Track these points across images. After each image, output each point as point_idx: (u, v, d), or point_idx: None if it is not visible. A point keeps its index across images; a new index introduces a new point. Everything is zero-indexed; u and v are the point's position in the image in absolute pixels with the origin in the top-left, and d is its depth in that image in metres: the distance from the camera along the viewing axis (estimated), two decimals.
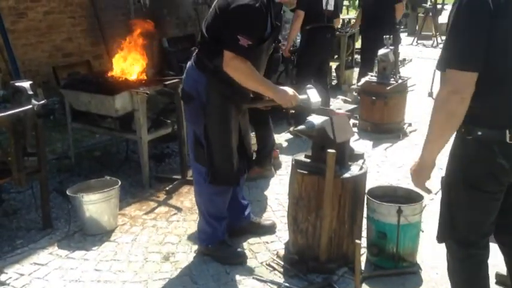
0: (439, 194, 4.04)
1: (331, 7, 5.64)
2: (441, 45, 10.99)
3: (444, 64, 1.87)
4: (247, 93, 2.88)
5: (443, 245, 3.19)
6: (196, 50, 2.86)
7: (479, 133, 1.90)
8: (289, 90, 2.81)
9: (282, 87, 2.83)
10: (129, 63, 4.40)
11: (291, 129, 5.33)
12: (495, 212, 2.05)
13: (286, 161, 4.62)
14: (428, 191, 2.10)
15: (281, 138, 5.14)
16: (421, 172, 2.03)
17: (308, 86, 2.87)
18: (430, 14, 12.01)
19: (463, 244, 2.11)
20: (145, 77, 4.38)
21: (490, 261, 3.00)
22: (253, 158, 3.69)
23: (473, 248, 2.11)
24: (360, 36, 7.27)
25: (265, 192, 4.07)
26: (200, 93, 2.79)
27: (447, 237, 2.15)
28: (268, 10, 2.69)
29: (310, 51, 5.55)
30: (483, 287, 2.18)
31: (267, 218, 3.58)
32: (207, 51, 2.77)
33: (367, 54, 6.51)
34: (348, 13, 14.70)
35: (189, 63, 2.90)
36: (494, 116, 1.88)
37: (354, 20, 8.05)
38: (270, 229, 3.39)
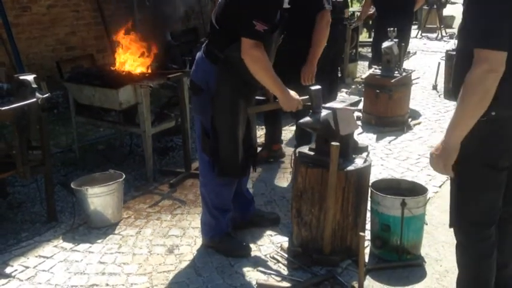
0: (443, 187, 4.05)
1: None
2: (445, 38, 10.99)
3: (476, 41, 1.84)
4: (257, 85, 2.85)
5: (447, 237, 3.21)
6: (206, 41, 2.85)
7: (493, 113, 1.91)
8: (295, 95, 2.82)
9: (290, 91, 2.82)
10: (132, 57, 4.40)
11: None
12: (502, 191, 2.10)
13: (290, 154, 4.62)
14: (452, 175, 2.07)
15: (286, 131, 5.13)
16: (447, 156, 1.98)
17: (313, 88, 2.84)
18: (435, 6, 11.94)
19: (477, 225, 2.14)
20: (148, 70, 4.38)
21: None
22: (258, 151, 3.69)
23: (487, 229, 2.14)
24: (375, 26, 7.15)
25: (269, 186, 4.07)
26: (210, 84, 2.77)
27: (461, 220, 2.17)
28: None
29: (328, 44, 5.49)
30: (492, 270, 2.20)
31: (271, 211, 3.59)
32: (218, 41, 2.74)
33: (378, 47, 6.45)
34: (351, 5, 14.62)
35: (198, 55, 2.88)
36: (508, 97, 1.92)
37: (359, 13, 8.00)
38: (274, 222, 3.40)
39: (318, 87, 2.84)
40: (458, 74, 2.02)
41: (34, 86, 3.32)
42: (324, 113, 2.79)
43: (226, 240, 3.08)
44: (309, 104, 2.85)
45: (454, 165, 2.00)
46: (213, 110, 2.79)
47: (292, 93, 2.83)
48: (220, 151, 2.85)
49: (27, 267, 3.00)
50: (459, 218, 2.18)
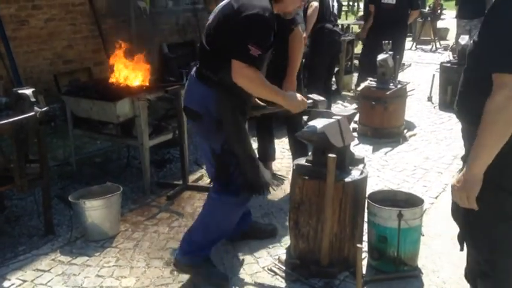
0: (439, 198, 4.07)
1: (336, 10, 5.71)
2: (440, 50, 11.08)
3: (494, 66, 1.78)
4: (251, 100, 2.87)
5: (444, 248, 3.23)
6: (197, 65, 2.75)
7: None
8: (298, 96, 2.82)
9: (290, 93, 2.84)
10: (129, 70, 4.43)
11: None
12: None
13: (287, 166, 4.64)
14: (477, 207, 1.95)
15: (281, 143, 5.15)
16: (470, 188, 1.88)
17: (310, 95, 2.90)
18: (429, 18, 12.07)
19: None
20: (146, 83, 4.40)
21: None
22: None
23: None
24: (368, 38, 7.22)
25: (267, 197, 4.08)
26: (210, 109, 2.66)
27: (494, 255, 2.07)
28: (274, 19, 2.65)
29: (322, 51, 5.56)
30: None
31: (268, 222, 3.60)
32: (211, 64, 2.66)
33: (372, 58, 6.53)
34: (346, 18, 14.76)
35: (190, 80, 2.79)
36: None
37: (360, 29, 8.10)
38: (271, 234, 3.40)
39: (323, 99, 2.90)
40: (466, 98, 1.96)
41: (32, 99, 3.33)
42: (321, 124, 2.82)
43: (207, 266, 2.92)
44: (312, 107, 2.92)
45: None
46: (222, 134, 2.69)
47: (291, 93, 2.83)
48: (246, 170, 2.73)
49: (24, 281, 2.99)
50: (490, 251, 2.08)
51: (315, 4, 5.01)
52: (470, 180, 1.88)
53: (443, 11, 12.88)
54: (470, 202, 1.92)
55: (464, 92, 2.03)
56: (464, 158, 2.08)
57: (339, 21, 7.41)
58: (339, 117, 2.87)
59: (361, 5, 17.20)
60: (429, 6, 12.99)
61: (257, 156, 2.91)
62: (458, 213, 2.17)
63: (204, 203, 3.05)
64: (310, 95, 3.00)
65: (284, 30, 3.66)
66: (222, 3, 2.68)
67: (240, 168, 2.73)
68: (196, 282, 2.89)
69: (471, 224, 2.10)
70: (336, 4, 5.78)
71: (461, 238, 2.24)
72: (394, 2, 6.75)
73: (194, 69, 2.79)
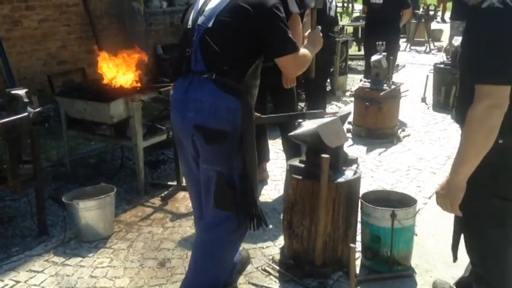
0: (433, 198, 4.09)
1: (333, 13, 5.70)
2: (434, 51, 11.10)
3: (478, 77, 1.75)
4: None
5: (437, 248, 3.24)
6: (214, 76, 2.33)
7: (501, 141, 1.81)
8: (313, 34, 2.74)
9: (311, 36, 2.73)
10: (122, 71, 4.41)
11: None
12: None
13: (281, 167, 4.65)
14: (460, 214, 1.96)
15: (276, 144, 5.16)
16: (454, 195, 1.89)
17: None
18: (423, 20, 12.12)
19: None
20: (140, 84, 4.40)
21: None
22: None
23: None
24: (363, 40, 7.26)
25: (261, 198, 4.09)
26: (237, 123, 2.32)
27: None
28: None
29: (319, 55, 5.52)
30: None
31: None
32: (234, 73, 2.33)
33: (367, 59, 6.57)
34: (341, 19, 14.80)
35: (198, 94, 2.35)
36: None
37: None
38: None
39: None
40: (462, 104, 1.94)
41: (26, 100, 3.32)
42: (314, 125, 2.83)
43: None
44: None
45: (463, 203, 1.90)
46: (242, 154, 2.35)
47: (312, 36, 2.73)
48: (250, 196, 2.42)
49: (18, 282, 2.98)
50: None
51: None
52: (453, 187, 1.89)
53: (437, 13, 12.94)
54: (454, 209, 1.93)
55: (460, 98, 2.02)
56: None
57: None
58: (332, 118, 2.88)
59: (356, 6, 17.27)
60: (423, 8, 13.04)
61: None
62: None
63: (196, 248, 2.60)
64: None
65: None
66: (216, 2, 2.40)
67: (249, 192, 2.41)
68: None
69: (464, 229, 2.11)
70: (333, 7, 5.74)
71: (455, 247, 2.24)
72: (381, 1, 6.77)
73: (195, 80, 2.38)
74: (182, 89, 2.42)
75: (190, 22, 2.46)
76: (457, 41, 6.65)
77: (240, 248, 2.88)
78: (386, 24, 6.64)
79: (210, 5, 2.41)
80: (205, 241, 2.55)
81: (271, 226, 3.51)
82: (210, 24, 2.36)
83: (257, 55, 2.40)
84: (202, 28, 2.37)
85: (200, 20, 2.41)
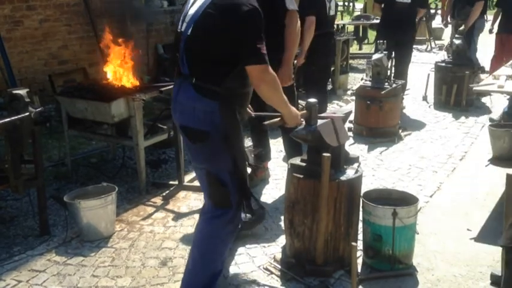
0: (434, 196, 4.09)
1: (333, 12, 5.69)
2: (435, 50, 11.04)
3: None
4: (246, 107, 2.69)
5: (438, 246, 3.24)
6: (193, 80, 2.41)
7: None
8: (296, 111, 2.70)
9: (292, 107, 2.65)
10: (124, 71, 4.42)
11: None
12: None
13: (282, 166, 4.65)
14: None
15: (277, 143, 5.16)
16: None
17: (310, 101, 2.81)
18: (424, 18, 12.10)
19: None
20: (141, 84, 4.40)
21: (484, 262, 3.04)
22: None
23: None
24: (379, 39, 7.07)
25: (262, 197, 4.09)
26: (218, 125, 2.39)
27: None
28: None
29: (319, 58, 5.50)
30: None
31: (263, 223, 3.58)
32: (211, 76, 2.39)
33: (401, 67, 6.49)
34: (342, 18, 14.79)
35: (184, 96, 2.46)
36: None
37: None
38: (259, 218, 3.31)
39: (314, 100, 2.81)
40: None
41: (27, 100, 3.33)
42: (316, 123, 2.82)
43: None
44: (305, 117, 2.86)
45: None
46: (228, 152, 2.42)
47: (294, 109, 2.68)
48: (241, 192, 2.50)
49: (19, 282, 2.98)
50: None
51: (311, 19, 4.74)
52: None
53: (438, 11, 12.92)
54: None
55: None
56: None
57: (335, 22, 7.37)
58: (333, 117, 2.88)
59: (357, 5, 17.27)
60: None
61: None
62: None
63: (196, 234, 2.68)
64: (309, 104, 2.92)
65: (277, 19, 3.68)
66: (195, 9, 2.41)
67: (240, 189, 2.50)
68: None
69: None
70: (333, 7, 5.73)
71: None
72: (409, 0, 6.43)
73: (183, 83, 2.48)
74: (175, 90, 2.56)
75: (179, 26, 2.51)
76: (458, 39, 6.66)
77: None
78: (407, 23, 6.50)
79: (191, 12, 2.43)
80: (202, 230, 2.63)
81: (269, 227, 3.50)
82: (189, 32, 2.41)
83: (237, 58, 2.35)
84: (185, 35, 2.43)
85: (183, 26, 2.46)
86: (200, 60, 2.41)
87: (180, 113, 2.49)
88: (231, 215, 2.53)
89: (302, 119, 2.75)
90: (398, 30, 6.30)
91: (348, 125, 5.19)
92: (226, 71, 2.36)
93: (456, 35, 6.91)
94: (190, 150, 2.58)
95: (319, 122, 2.81)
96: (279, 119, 2.69)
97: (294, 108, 2.66)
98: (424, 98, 7.15)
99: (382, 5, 6.73)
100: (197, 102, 2.41)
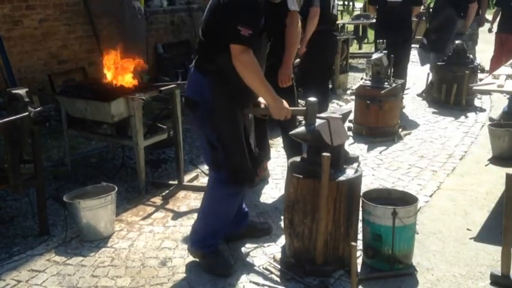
0: (434, 196, 4.09)
1: (335, 11, 5.67)
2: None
3: None
4: (251, 93, 2.83)
5: (438, 246, 3.24)
6: (196, 57, 2.88)
7: None
8: (285, 104, 2.82)
9: (281, 99, 2.81)
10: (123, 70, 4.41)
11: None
12: None
13: (282, 165, 4.65)
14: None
15: (276, 143, 5.16)
16: None
17: (310, 100, 2.81)
18: (423, 18, 12.09)
19: None
20: (140, 83, 4.40)
21: (484, 262, 3.04)
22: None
23: None
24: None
25: (262, 196, 4.09)
26: (206, 97, 2.78)
27: None
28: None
29: (320, 55, 5.49)
30: None
31: (263, 221, 3.60)
32: (206, 54, 2.79)
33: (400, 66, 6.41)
34: (342, 18, 14.79)
35: (191, 70, 2.91)
36: None
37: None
38: (266, 232, 3.41)
39: (314, 99, 2.81)
40: None
41: (26, 99, 3.32)
42: (315, 123, 2.82)
43: (213, 257, 3.03)
44: (301, 115, 2.86)
45: None
46: (214, 122, 2.80)
47: (281, 99, 2.81)
48: (232, 160, 2.86)
49: (19, 281, 2.98)
50: None
51: (316, 9, 4.80)
52: None
53: None
54: None
55: None
56: None
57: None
58: (330, 118, 2.87)
59: (357, 4, 17.26)
60: (424, 6, 13.01)
61: (252, 150, 3.01)
62: None
63: (204, 194, 3.14)
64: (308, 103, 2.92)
65: (278, 20, 3.69)
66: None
67: (228, 157, 2.85)
68: (205, 269, 3.02)
69: None
70: (336, 6, 5.73)
71: None
72: None
73: (193, 62, 2.90)
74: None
75: None
76: (457, 39, 6.65)
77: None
78: (401, 23, 6.49)
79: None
80: (206, 192, 3.09)
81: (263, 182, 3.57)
82: (204, 13, 2.85)
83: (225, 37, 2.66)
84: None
85: None
86: (202, 39, 2.81)
87: (187, 85, 2.93)
88: (223, 177, 2.89)
89: (291, 113, 2.87)
90: (393, 30, 6.29)
91: (347, 124, 5.20)
92: (218, 50, 2.68)
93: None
94: (191, 118, 3.02)
95: (319, 121, 2.81)
96: (262, 107, 2.89)
97: (282, 101, 2.82)
98: (424, 98, 7.15)
99: (377, 6, 6.74)
100: (193, 76, 2.86)
